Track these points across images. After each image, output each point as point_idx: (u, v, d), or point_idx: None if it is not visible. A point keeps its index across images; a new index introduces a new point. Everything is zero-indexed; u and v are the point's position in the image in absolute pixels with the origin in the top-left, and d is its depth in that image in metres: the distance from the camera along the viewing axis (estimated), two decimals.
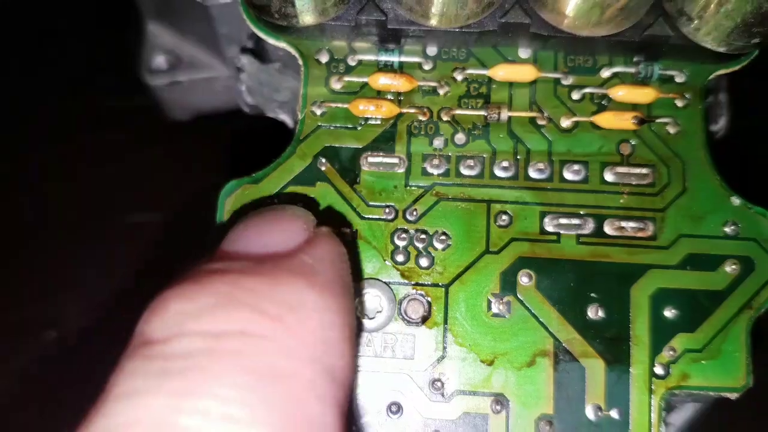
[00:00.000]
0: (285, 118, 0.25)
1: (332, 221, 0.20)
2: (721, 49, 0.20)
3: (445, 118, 0.21)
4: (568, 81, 0.21)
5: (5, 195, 0.32)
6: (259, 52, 0.24)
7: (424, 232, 0.20)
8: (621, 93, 0.21)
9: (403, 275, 0.20)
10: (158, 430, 0.12)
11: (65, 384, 0.31)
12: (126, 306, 0.32)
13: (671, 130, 0.21)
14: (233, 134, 0.30)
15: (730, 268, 0.20)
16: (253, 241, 0.16)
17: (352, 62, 0.21)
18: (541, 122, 0.21)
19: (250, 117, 0.27)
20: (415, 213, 0.20)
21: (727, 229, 0.20)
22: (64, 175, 0.33)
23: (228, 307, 0.14)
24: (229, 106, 0.30)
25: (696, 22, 0.19)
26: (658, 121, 0.21)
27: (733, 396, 0.20)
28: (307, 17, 0.20)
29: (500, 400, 0.19)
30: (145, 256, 0.33)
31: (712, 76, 0.21)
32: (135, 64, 0.30)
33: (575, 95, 0.21)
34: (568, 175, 0.20)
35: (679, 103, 0.21)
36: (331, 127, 0.21)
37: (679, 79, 0.21)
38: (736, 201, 0.20)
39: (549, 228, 0.20)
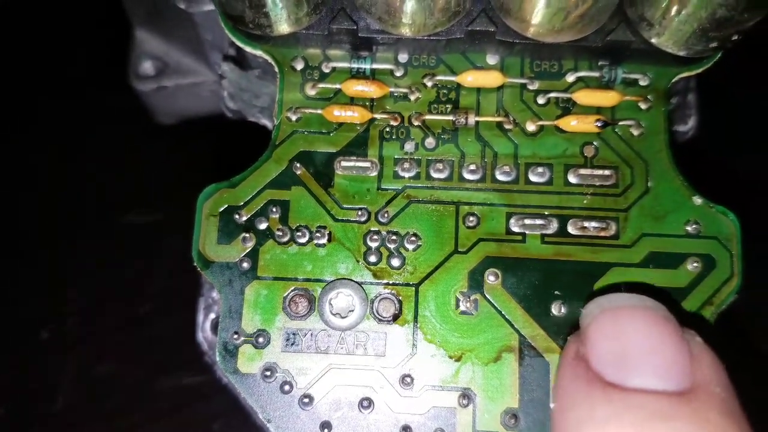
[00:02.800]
0: (266, 122, 0.26)
1: (307, 223, 0.21)
2: (682, 53, 0.21)
3: (415, 123, 0.21)
4: (533, 86, 0.22)
5: (1, 197, 0.33)
6: (239, 59, 0.25)
7: (396, 233, 0.21)
8: (585, 97, 0.21)
9: (375, 275, 0.21)
10: None
11: (61, 382, 0.32)
12: (119, 304, 0.33)
13: (635, 132, 0.21)
14: (219, 138, 0.31)
15: (691, 265, 0.21)
16: (641, 364, 0.16)
17: (326, 69, 0.22)
18: (507, 126, 0.21)
19: (234, 121, 0.28)
20: (386, 215, 0.21)
21: (688, 228, 0.21)
22: (59, 178, 0.33)
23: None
24: (215, 110, 0.31)
25: (656, 27, 0.20)
26: (621, 123, 0.21)
27: None
28: (280, 27, 0.20)
29: (467, 394, 0.20)
30: (139, 255, 0.33)
31: (675, 79, 0.22)
32: (124, 69, 0.31)
33: (540, 100, 0.21)
34: (533, 178, 0.21)
35: (643, 106, 0.22)
36: (306, 133, 0.21)
37: (643, 82, 0.22)
38: (698, 200, 0.21)
39: (515, 228, 0.21)
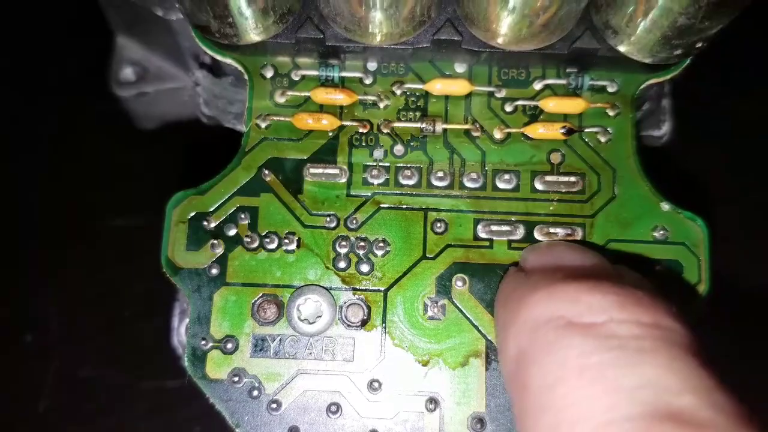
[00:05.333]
0: (241, 128, 0.26)
1: (276, 229, 0.21)
2: (647, 61, 0.21)
3: (384, 131, 0.22)
4: (501, 94, 0.22)
5: None
6: (213, 66, 0.25)
7: (365, 239, 0.21)
8: (552, 104, 0.21)
9: (344, 281, 0.21)
10: (615, 397, 0.14)
11: (44, 385, 0.32)
12: (100, 308, 0.33)
13: (602, 138, 0.22)
14: (198, 143, 0.31)
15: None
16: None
17: (295, 77, 0.22)
18: (475, 134, 0.22)
19: (212, 126, 0.28)
20: (355, 221, 0.21)
21: (656, 234, 0.21)
22: (40, 182, 0.34)
23: (641, 303, 0.16)
24: (194, 115, 0.31)
25: (621, 35, 0.20)
26: (588, 130, 0.21)
27: None
28: (247, 36, 0.20)
29: (434, 398, 0.20)
30: (120, 259, 0.34)
31: (643, 86, 0.22)
32: (105, 76, 0.31)
33: (508, 107, 0.22)
34: (500, 184, 0.21)
35: (611, 113, 0.22)
36: (275, 140, 0.22)
37: (611, 88, 0.22)
38: (665, 206, 0.21)
39: (482, 234, 0.21)
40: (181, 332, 0.25)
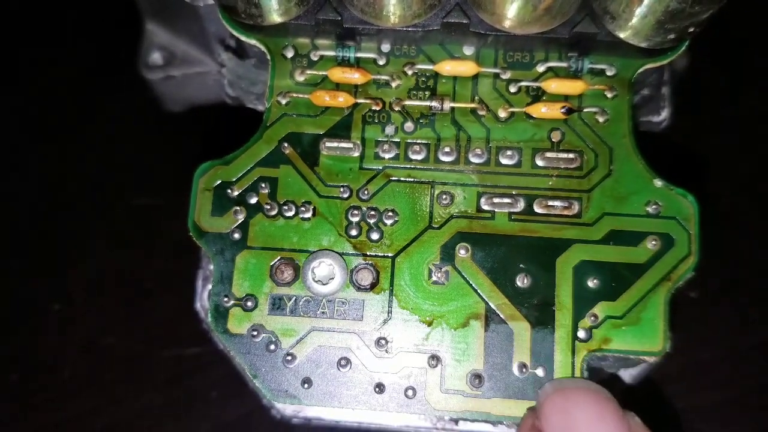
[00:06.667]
0: (262, 108, 0.28)
1: (294, 199, 0.22)
2: (643, 45, 0.22)
3: (396, 108, 0.23)
4: (506, 75, 0.23)
5: (19, 182, 0.35)
6: (238, 49, 0.27)
7: (375, 209, 0.22)
8: (553, 86, 0.23)
9: (355, 247, 0.22)
10: None
11: (66, 353, 0.34)
12: (125, 281, 0.35)
13: (600, 118, 0.23)
14: (221, 123, 0.33)
15: (650, 244, 0.22)
16: None
17: (314, 57, 0.24)
18: (481, 112, 0.23)
19: (234, 108, 0.30)
20: (367, 192, 0.23)
21: (649, 209, 0.22)
22: (73, 161, 0.36)
23: None
24: (219, 98, 0.33)
25: (618, 20, 0.22)
26: (587, 110, 0.23)
27: (651, 359, 0.22)
28: (270, 17, 0.22)
29: (436, 356, 0.21)
30: (145, 235, 0.35)
31: (640, 70, 0.23)
32: (134, 60, 0.33)
33: (512, 88, 0.23)
34: (503, 160, 0.23)
35: (609, 95, 0.23)
36: (294, 116, 0.23)
37: (610, 72, 0.23)
38: (658, 183, 0.22)
39: (485, 206, 0.22)
40: (203, 297, 0.27)
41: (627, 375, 0.26)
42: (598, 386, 0.20)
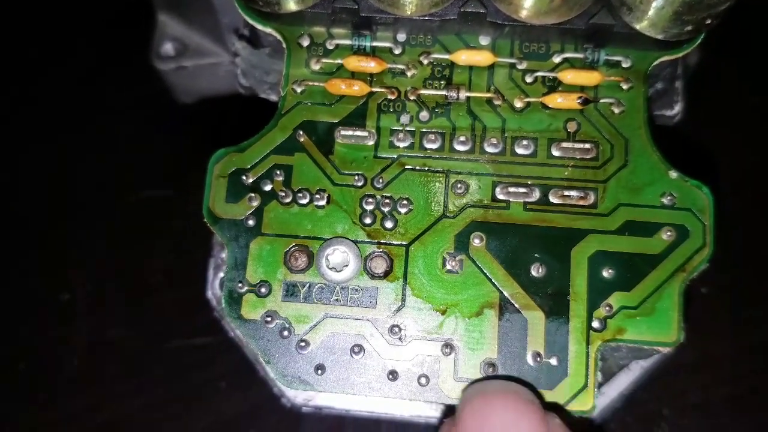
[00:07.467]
0: (275, 98, 0.28)
1: (308, 186, 0.23)
2: (660, 37, 0.22)
3: (411, 98, 0.23)
4: (522, 66, 0.23)
5: (28, 172, 0.35)
6: (252, 38, 0.27)
7: (389, 198, 0.22)
8: (569, 76, 0.23)
9: (369, 235, 0.22)
10: None
11: (76, 345, 0.34)
12: (134, 273, 0.35)
13: (616, 110, 0.23)
14: (233, 114, 0.33)
15: (665, 234, 0.22)
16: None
17: (330, 46, 0.24)
18: (496, 102, 0.23)
19: (247, 98, 0.30)
20: (381, 181, 0.23)
21: (664, 200, 0.22)
22: (84, 152, 0.36)
23: None
24: (231, 89, 0.33)
25: (635, 12, 0.22)
26: (602, 101, 0.23)
27: (666, 350, 0.22)
28: (287, 5, 0.22)
29: (450, 344, 0.21)
30: (156, 227, 0.35)
31: (656, 62, 0.23)
32: (146, 51, 0.33)
33: (528, 78, 0.23)
34: (518, 150, 0.23)
35: (624, 86, 0.23)
36: (310, 104, 0.23)
37: (625, 64, 0.23)
38: (673, 174, 0.22)
39: (500, 196, 0.22)
40: (215, 285, 0.27)
41: (638, 367, 0.26)
42: (520, 387, 0.20)
